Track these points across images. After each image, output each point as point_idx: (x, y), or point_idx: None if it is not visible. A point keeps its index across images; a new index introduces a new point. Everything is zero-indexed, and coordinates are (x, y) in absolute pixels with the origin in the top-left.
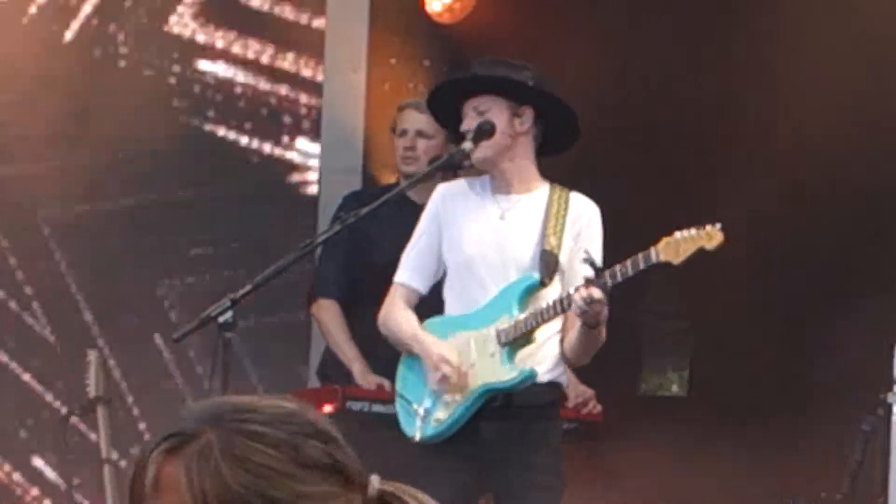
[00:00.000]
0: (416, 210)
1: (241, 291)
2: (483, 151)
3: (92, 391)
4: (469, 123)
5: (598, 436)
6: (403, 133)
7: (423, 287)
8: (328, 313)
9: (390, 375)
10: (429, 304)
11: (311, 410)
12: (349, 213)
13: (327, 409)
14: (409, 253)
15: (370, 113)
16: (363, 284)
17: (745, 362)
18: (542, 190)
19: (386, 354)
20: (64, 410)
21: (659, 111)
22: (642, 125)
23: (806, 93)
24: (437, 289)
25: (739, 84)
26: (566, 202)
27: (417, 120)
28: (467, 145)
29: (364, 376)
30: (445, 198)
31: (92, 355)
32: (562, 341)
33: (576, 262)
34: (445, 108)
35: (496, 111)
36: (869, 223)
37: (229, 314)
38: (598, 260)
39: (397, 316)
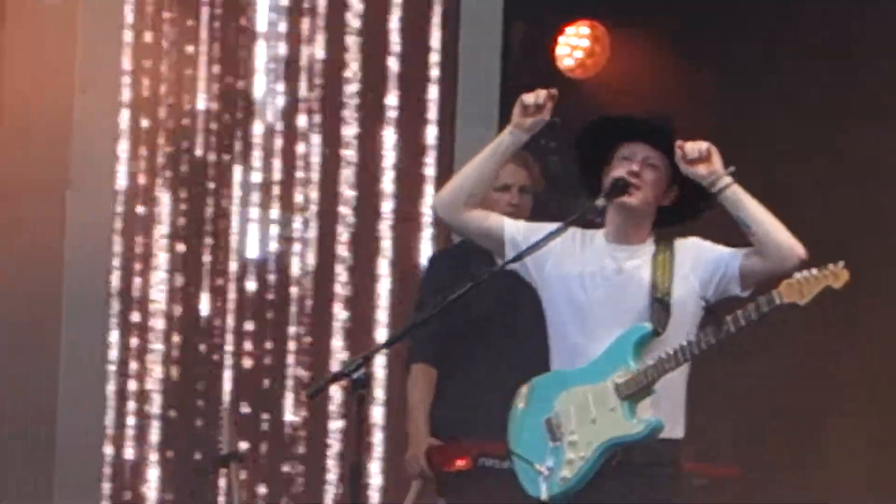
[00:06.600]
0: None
1: (375, 348)
2: (636, 199)
3: (225, 448)
4: (629, 167)
5: (731, 492)
6: (506, 188)
7: None
8: (414, 379)
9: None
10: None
11: None
12: (448, 271)
13: (459, 464)
14: None
15: None
16: (462, 339)
17: None
18: (650, 241)
19: (484, 409)
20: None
21: (792, 171)
22: (773, 185)
23: None
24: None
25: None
26: (671, 248)
27: (518, 174)
28: (601, 202)
29: (414, 458)
30: (555, 247)
31: (224, 410)
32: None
33: (689, 304)
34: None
35: (662, 172)
36: None
37: (363, 371)
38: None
39: None
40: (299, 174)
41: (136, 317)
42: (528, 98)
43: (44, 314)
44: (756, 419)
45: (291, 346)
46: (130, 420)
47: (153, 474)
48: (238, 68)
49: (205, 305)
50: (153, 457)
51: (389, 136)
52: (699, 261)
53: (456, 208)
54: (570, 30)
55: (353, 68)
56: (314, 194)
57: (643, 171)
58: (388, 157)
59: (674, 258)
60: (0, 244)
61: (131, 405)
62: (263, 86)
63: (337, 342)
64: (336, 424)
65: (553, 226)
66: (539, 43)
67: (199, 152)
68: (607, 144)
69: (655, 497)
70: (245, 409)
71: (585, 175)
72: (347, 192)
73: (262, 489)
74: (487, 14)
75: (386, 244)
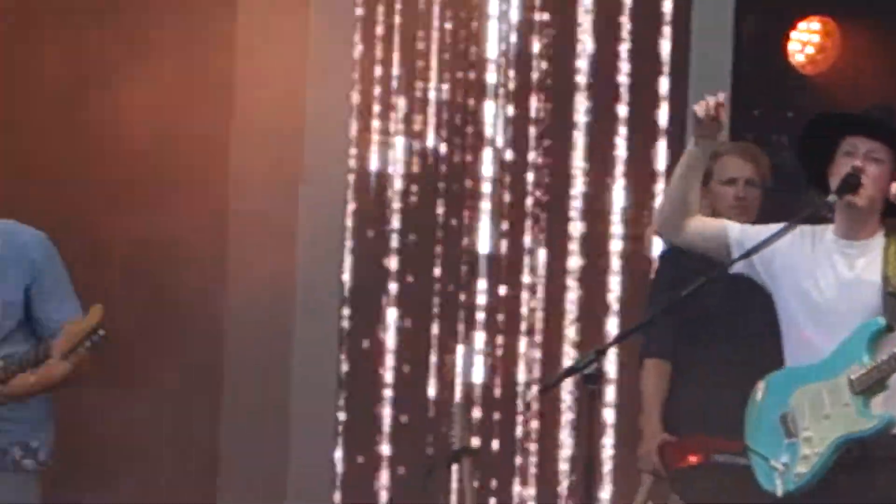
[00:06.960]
0: None
1: (607, 343)
2: (862, 199)
3: (456, 443)
4: (851, 163)
5: None
6: (732, 181)
7: None
8: (647, 373)
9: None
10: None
11: None
12: (679, 268)
13: (692, 459)
14: None
15: None
16: (693, 337)
17: None
18: (880, 234)
19: (716, 407)
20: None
21: None
22: None
23: None
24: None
25: None
26: None
27: (744, 168)
28: (832, 197)
29: (648, 455)
30: (782, 245)
31: (456, 406)
32: None
33: None
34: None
35: (886, 164)
36: None
37: (594, 366)
38: None
39: None
40: (529, 176)
41: (367, 313)
42: (699, 111)
43: (278, 310)
44: None
45: (523, 341)
46: (362, 418)
47: (384, 473)
48: (468, 61)
49: (435, 307)
50: (385, 449)
51: (621, 132)
52: None
53: (674, 228)
54: (801, 25)
55: (585, 61)
56: (540, 192)
57: (866, 166)
58: (620, 150)
59: None
60: (235, 238)
61: (363, 402)
62: (494, 76)
63: (569, 334)
64: (568, 419)
65: (776, 226)
66: (770, 38)
67: (430, 144)
68: (829, 140)
69: (887, 491)
70: (476, 406)
71: (809, 172)
72: (577, 190)
73: (493, 483)
74: (719, 9)
75: (616, 242)
